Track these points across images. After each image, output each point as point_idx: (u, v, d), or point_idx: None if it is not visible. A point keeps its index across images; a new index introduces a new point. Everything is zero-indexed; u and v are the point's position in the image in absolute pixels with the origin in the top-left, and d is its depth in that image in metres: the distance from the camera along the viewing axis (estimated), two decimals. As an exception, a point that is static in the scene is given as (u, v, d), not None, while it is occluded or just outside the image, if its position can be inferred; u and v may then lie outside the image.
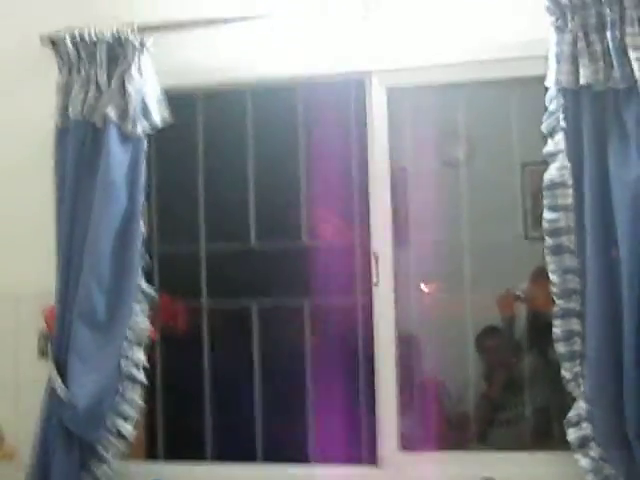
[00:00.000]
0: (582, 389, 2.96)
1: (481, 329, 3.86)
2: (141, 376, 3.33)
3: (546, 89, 3.06)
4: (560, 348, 2.99)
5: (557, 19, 3.00)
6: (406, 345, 3.53)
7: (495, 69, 3.28)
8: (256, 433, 3.64)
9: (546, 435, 3.61)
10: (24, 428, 3.45)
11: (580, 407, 2.97)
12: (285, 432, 3.80)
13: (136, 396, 3.32)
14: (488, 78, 3.34)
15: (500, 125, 3.69)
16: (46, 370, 3.33)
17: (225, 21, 3.36)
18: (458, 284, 3.64)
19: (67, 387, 3.22)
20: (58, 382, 3.26)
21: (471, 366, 3.79)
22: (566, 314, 3.00)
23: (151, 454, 3.70)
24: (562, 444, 3.06)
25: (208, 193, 3.67)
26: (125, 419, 3.30)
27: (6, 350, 3.56)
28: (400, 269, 3.44)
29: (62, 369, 3.27)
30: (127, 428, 3.30)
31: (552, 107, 3.03)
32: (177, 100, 3.44)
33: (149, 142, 3.38)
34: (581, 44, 2.95)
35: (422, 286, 3.89)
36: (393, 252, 3.36)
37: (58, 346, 3.30)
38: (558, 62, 3.00)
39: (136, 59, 3.28)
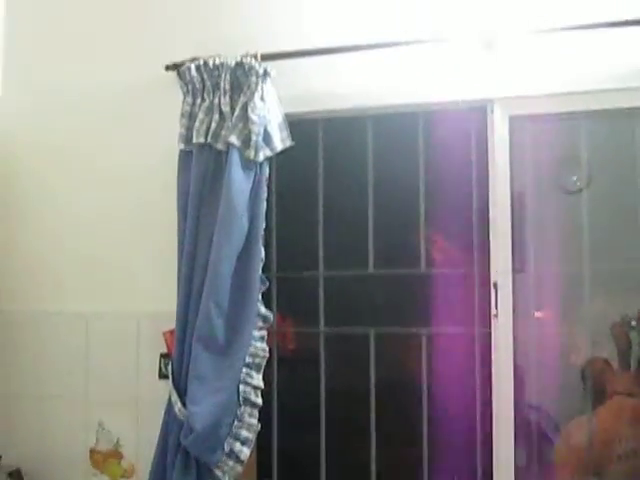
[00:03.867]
0: None
1: (586, 360, 3.79)
2: (259, 400, 3.35)
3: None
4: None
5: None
6: (523, 376, 3.50)
7: (618, 99, 3.25)
8: (370, 459, 3.63)
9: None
10: (143, 447, 3.54)
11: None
12: (398, 460, 3.80)
13: (253, 420, 3.34)
14: (610, 107, 3.30)
15: (622, 152, 3.62)
16: (166, 391, 3.40)
17: (347, 49, 3.38)
18: (576, 313, 3.58)
19: (186, 409, 3.27)
20: (178, 404, 3.32)
21: (586, 398, 3.72)
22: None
23: (263, 476, 3.72)
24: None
25: (327, 219, 3.69)
26: (242, 443, 3.32)
27: (128, 370, 3.65)
28: (518, 298, 3.42)
29: (182, 391, 3.32)
30: (244, 451, 3.32)
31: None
32: (298, 126, 3.48)
33: (270, 167, 3.42)
34: None
35: (536, 314, 3.84)
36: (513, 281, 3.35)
37: (178, 368, 3.36)
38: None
39: (259, 87, 3.32)
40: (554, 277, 3.71)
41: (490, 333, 3.36)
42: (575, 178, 3.75)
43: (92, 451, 3.72)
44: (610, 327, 3.71)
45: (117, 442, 3.68)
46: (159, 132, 3.62)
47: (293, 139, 3.41)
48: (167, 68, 3.53)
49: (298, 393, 3.88)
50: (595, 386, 3.77)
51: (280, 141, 3.40)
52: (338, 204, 3.74)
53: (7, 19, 3.95)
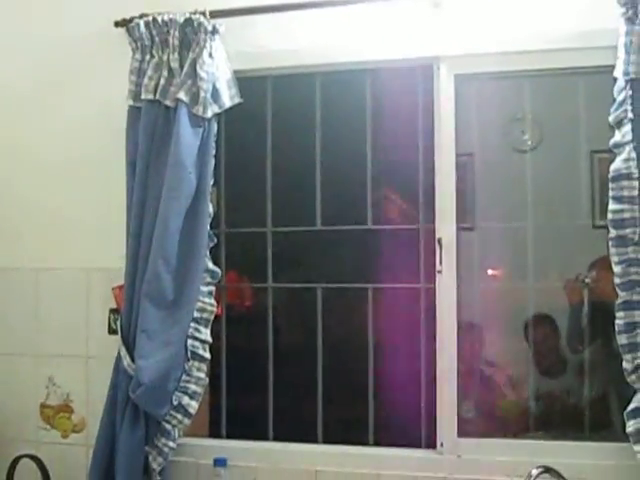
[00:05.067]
0: (643, 381, 2.96)
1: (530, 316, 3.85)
2: (207, 355, 3.39)
3: (614, 79, 3.05)
4: (622, 339, 2.98)
5: (627, 10, 2.99)
6: (467, 332, 3.55)
7: (563, 58, 3.29)
8: (317, 413, 3.69)
9: (606, 426, 3.60)
10: (93, 401, 3.58)
11: (640, 399, 2.98)
12: (345, 413, 3.85)
13: (202, 374, 3.38)
14: (555, 67, 3.34)
15: (568, 112, 3.67)
16: (115, 346, 3.43)
17: (295, 7, 3.39)
18: (522, 271, 3.64)
19: (135, 363, 3.30)
20: (127, 358, 3.34)
21: (531, 354, 3.79)
22: (628, 306, 2.99)
23: (214, 432, 3.78)
24: (622, 436, 3.06)
25: (275, 175, 3.73)
26: (191, 396, 3.36)
27: (77, 325, 3.67)
28: (464, 255, 3.47)
29: (130, 345, 3.35)
30: (192, 405, 3.36)
31: (620, 98, 3.02)
32: (246, 83, 3.49)
33: (219, 124, 3.44)
34: (651, 35, 2.95)
35: (489, 272, 3.89)
36: (458, 238, 3.39)
37: (127, 323, 3.39)
38: (627, 53, 2.99)
39: (208, 43, 3.32)
40: (502, 235, 3.77)
41: (435, 289, 3.40)
42: (526, 137, 3.80)
43: (42, 406, 3.73)
44: (564, 285, 3.77)
45: (67, 397, 3.70)
46: (108, 88, 3.60)
47: (242, 96, 3.42)
48: (116, 24, 3.51)
49: (247, 348, 3.92)
50: (537, 341, 3.85)
51: (229, 98, 3.41)
52: (286, 161, 3.77)
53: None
